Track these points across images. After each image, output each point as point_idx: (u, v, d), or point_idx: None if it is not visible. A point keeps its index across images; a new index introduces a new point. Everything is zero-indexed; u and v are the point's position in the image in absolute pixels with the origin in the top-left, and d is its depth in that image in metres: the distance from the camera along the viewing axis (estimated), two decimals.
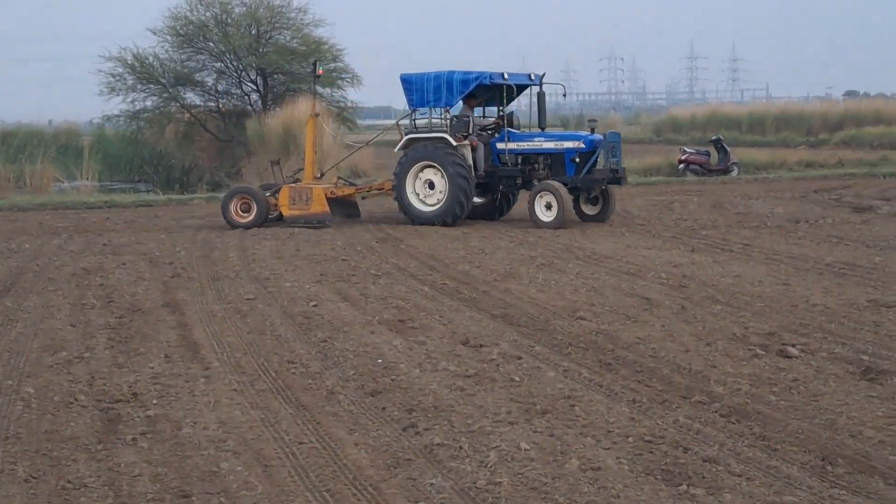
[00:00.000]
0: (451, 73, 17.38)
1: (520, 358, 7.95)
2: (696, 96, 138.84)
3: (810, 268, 11.98)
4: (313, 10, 35.01)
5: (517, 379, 7.34)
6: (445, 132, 17.22)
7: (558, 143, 17.37)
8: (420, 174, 17.34)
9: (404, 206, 17.52)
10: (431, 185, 17.29)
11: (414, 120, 17.88)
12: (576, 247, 14.29)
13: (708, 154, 27.66)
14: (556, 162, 17.22)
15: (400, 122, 19.07)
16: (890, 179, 24.90)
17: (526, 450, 5.85)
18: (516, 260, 13.08)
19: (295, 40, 35.51)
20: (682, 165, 27.21)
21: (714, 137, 28.49)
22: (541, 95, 18.00)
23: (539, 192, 16.62)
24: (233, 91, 35.99)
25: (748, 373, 7.40)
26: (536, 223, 16.49)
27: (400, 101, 22.61)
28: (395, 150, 18.10)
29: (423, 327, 9.22)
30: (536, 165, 17.40)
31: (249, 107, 35.32)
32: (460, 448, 5.94)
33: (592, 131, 17.44)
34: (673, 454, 5.74)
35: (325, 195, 17.50)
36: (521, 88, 18.36)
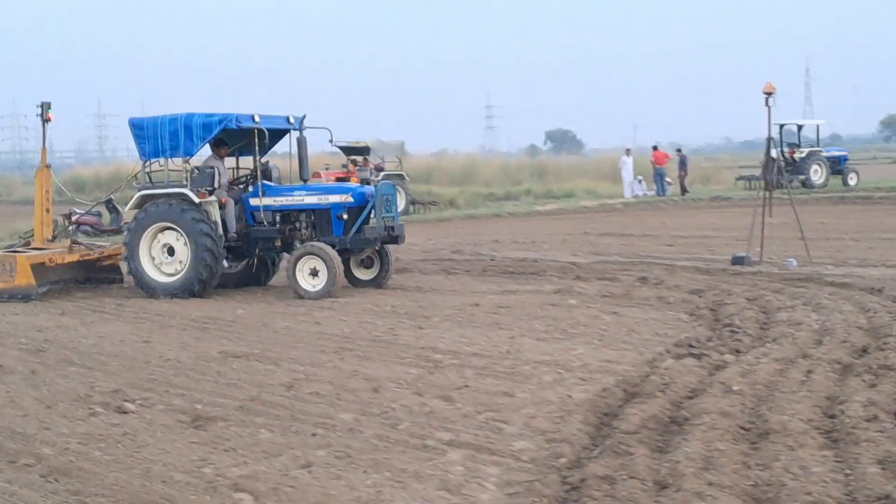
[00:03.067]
0: (190, 115, 14.65)
1: None
2: (107, 154, 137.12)
3: (175, 324, 12.32)
4: None
5: None
6: (185, 187, 14.56)
7: (322, 196, 14.90)
8: (157, 238, 14.68)
9: (137, 275, 14.73)
10: (171, 251, 14.64)
11: (148, 173, 15.13)
12: None
13: (100, 214, 27.43)
14: (320, 219, 14.88)
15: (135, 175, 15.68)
16: None
17: None
18: None
19: None
20: (72, 226, 26.63)
21: (105, 198, 28.29)
22: (301, 141, 15.29)
23: (302, 255, 14.15)
24: None
25: (81, 431, 7.40)
26: (299, 293, 14.05)
27: None
28: (126, 209, 15.08)
29: None
30: (298, 224, 14.96)
31: None
32: None
33: (366, 183, 14.72)
34: None
35: (41, 263, 14.92)
36: (279, 133, 15.72)
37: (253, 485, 6.04)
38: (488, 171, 47.65)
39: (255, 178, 15.21)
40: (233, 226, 14.90)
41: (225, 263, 15.09)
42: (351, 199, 14.71)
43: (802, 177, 37.97)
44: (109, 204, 27.76)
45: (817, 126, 40.40)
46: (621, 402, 7.74)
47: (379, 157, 32.25)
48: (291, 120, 15.43)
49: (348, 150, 32.23)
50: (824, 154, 39.25)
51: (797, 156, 38.65)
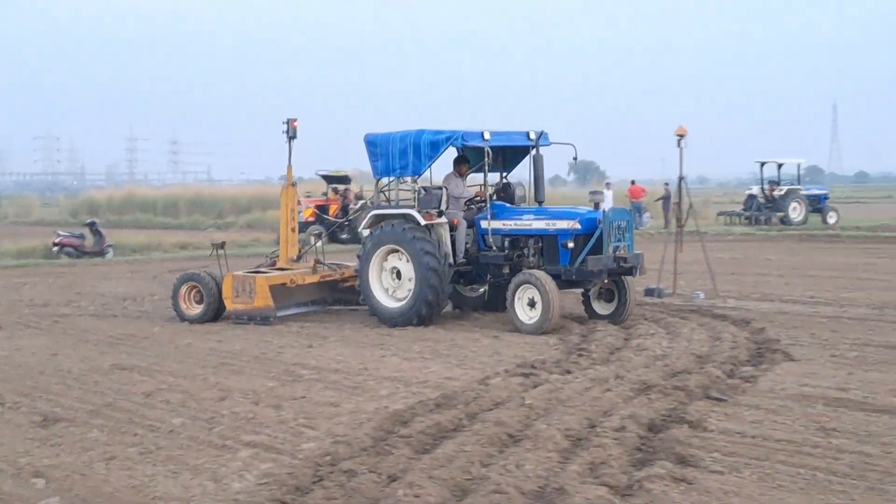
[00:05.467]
0: (420, 132, 14.02)
1: None
2: (138, 178, 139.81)
3: (93, 339, 13.37)
4: None
5: None
6: (412, 208, 14.13)
7: (551, 222, 13.73)
8: (386, 260, 14.23)
9: (368, 299, 14.26)
10: (399, 275, 14.11)
11: (383, 192, 14.85)
12: None
13: (83, 237, 28.67)
14: (549, 246, 13.73)
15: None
16: (254, 259, 27.48)
17: None
18: None
19: None
20: (56, 248, 27.91)
21: (89, 221, 29.58)
22: (538, 159, 14.23)
23: (519, 284, 13.15)
24: None
25: None
26: (516, 325, 13.19)
27: None
28: (360, 229, 15.12)
29: None
30: (526, 250, 13.96)
31: None
32: None
33: (596, 207, 14.03)
34: None
35: (282, 284, 14.83)
36: (520, 151, 14.87)
37: (52, 472, 7.05)
38: None
39: (488, 198, 14.45)
40: (461, 248, 14.13)
41: (480, 289, 14.99)
42: (578, 226, 13.50)
43: (781, 214, 38.73)
44: (93, 227, 29.02)
45: (798, 165, 41.14)
46: (426, 412, 8.65)
47: (359, 186, 33.44)
48: (532, 136, 14.36)
49: (329, 179, 33.35)
50: (804, 192, 39.97)
51: (777, 193, 39.43)
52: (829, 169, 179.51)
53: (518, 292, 13.16)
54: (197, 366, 11.26)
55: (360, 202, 32.79)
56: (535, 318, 12.98)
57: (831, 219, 39.16)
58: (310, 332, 13.71)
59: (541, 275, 13.05)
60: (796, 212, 39.11)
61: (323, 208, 32.82)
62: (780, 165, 40.55)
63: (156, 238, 32.62)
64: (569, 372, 10.33)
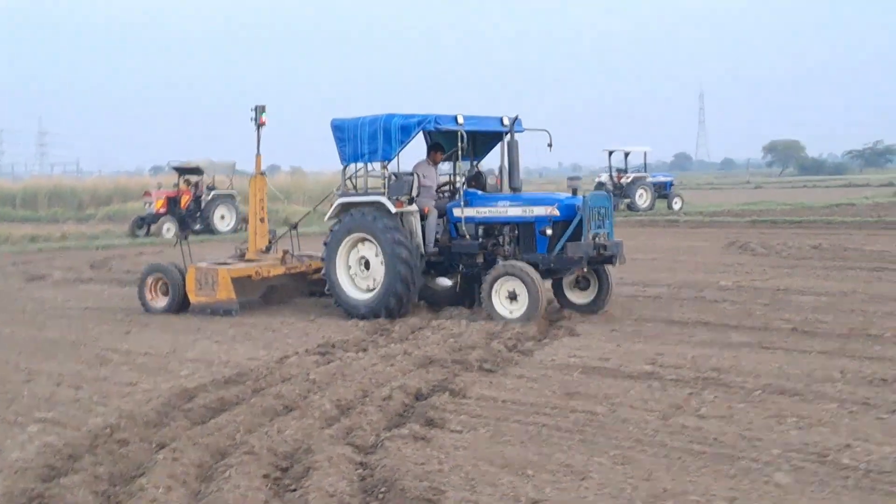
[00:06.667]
0: (390, 116, 13.44)
1: None
2: (5, 170, 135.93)
3: None
4: None
5: None
6: (382, 195, 13.66)
7: (527, 208, 13.19)
8: (354, 250, 13.82)
9: (334, 290, 13.81)
10: (367, 265, 13.72)
11: (350, 179, 14.23)
12: None
13: None
14: (525, 234, 13.24)
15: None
16: (102, 251, 27.57)
17: None
18: None
19: None
20: None
21: None
22: (512, 145, 13.50)
23: (498, 276, 12.57)
24: None
25: None
26: (495, 318, 12.50)
27: None
28: (326, 217, 14.47)
29: None
30: (501, 239, 13.53)
31: None
32: None
33: (574, 192, 13.55)
34: None
35: (247, 276, 14.49)
36: (491, 137, 14.51)
37: None
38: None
39: (460, 185, 14.11)
40: (432, 238, 13.74)
41: (446, 281, 14.57)
42: (557, 212, 13.01)
43: (628, 200, 40.41)
44: None
45: (644, 153, 42.91)
46: (215, 388, 9.27)
47: (210, 178, 33.74)
48: (505, 122, 13.95)
49: (182, 170, 33.52)
50: (650, 180, 41.76)
51: (624, 181, 41.09)
52: (697, 156, 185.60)
53: (496, 285, 12.65)
54: (12, 352, 11.64)
55: (212, 193, 33.14)
56: (520, 312, 12.46)
57: (676, 205, 41.00)
58: (133, 319, 14.16)
59: (524, 266, 12.58)
60: (642, 198, 40.83)
61: (174, 199, 33.01)
62: (626, 154, 42.24)
63: (6, 231, 32.27)
64: (364, 350, 11.08)
